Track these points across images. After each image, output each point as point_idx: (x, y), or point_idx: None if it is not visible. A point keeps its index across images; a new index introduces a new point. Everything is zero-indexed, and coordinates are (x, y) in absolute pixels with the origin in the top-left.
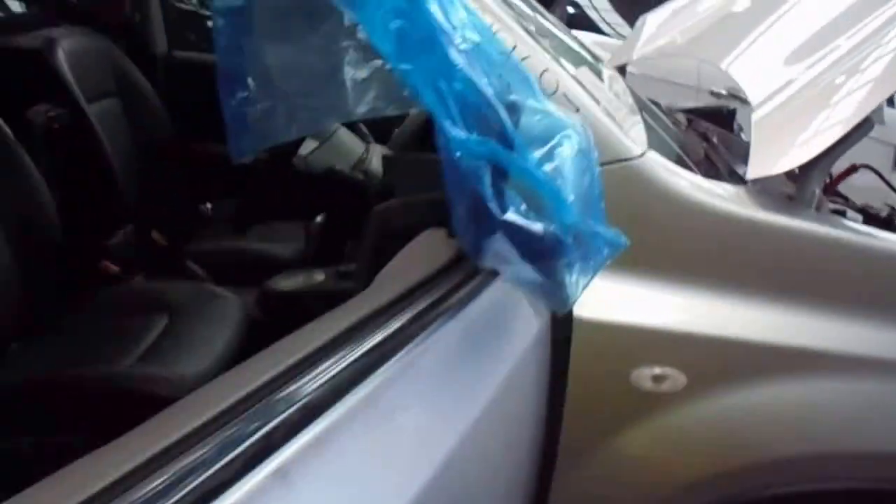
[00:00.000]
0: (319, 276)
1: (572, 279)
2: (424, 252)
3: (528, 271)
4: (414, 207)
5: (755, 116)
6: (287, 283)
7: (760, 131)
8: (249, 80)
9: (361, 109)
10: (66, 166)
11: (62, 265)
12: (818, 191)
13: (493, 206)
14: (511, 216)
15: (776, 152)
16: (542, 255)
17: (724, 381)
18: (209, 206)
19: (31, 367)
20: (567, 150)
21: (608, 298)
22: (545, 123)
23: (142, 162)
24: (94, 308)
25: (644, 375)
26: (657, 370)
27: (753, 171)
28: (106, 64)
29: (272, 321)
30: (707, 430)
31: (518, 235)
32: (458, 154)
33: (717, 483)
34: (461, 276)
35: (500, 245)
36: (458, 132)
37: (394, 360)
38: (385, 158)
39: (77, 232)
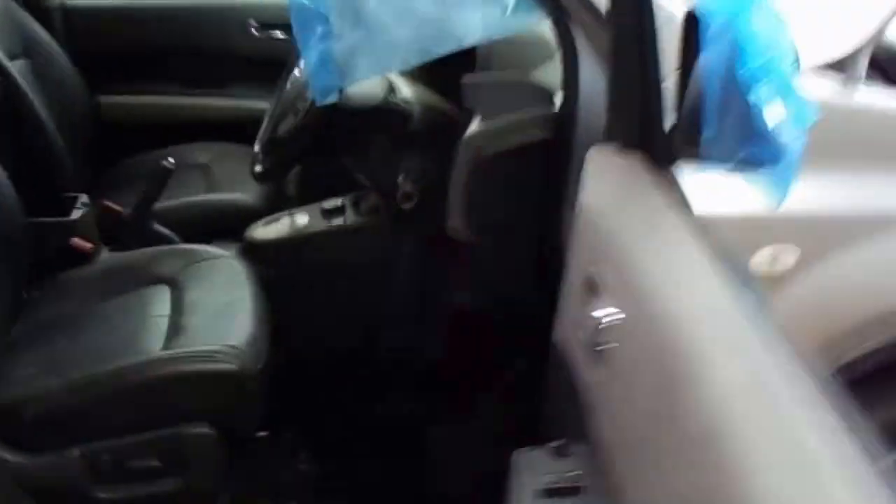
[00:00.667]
0: (303, 219)
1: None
2: (621, 175)
3: (769, 173)
4: (509, 131)
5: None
6: (270, 230)
7: (801, 21)
8: (329, 12)
9: (473, 37)
10: (10, 140)
11: (32, 250)
12: (863, 73)
13: (765, 118)
14: (777, 126)
15: (824, 40)
16: (784, 157)
17: (828, 252)
18: (171, 160)
19: (41, 373)
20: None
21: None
22: (778, 33)
23: (64, 125)
24: (75, 294)
25: (762, 260)
26: (772, 252)
27: (806, 60)
28: (9, 21)
29: (279, 273)
30: (821, 297)
31: (775, 143)
32: (741, 71)
33: (844, 341)
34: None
35: (751, 152)
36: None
37: None
38: (464, 83)
39: (38, 211)
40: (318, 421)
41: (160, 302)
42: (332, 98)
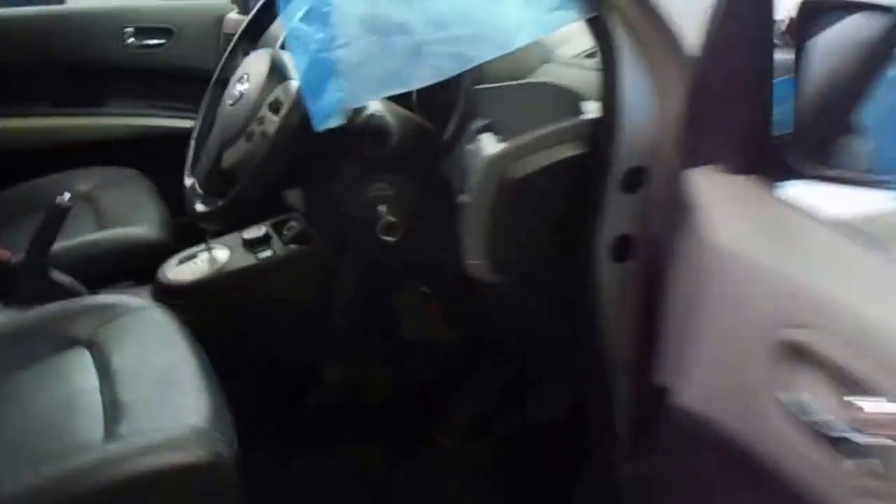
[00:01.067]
0: (223, 253)
1: None
2: (761, 208)
3: None
4: (538, 147)
5: None
6: (187, 269)
7: None
8: (330, 11)
9: (520, 38)
10: None
11: None
12: None
13: None
14: None
15: None
16: None
17: None
18: (67, 195)
19: None
20: None
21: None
22: None
23: None
24: None
25: None
26: None
27: None
28: None
29: (201, 318)
30: None
31: None
32: None
33: None
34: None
35: None
36: None
37: None
38: (477, 91)
39: None
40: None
41: (83, 372)
42: (336, 121)
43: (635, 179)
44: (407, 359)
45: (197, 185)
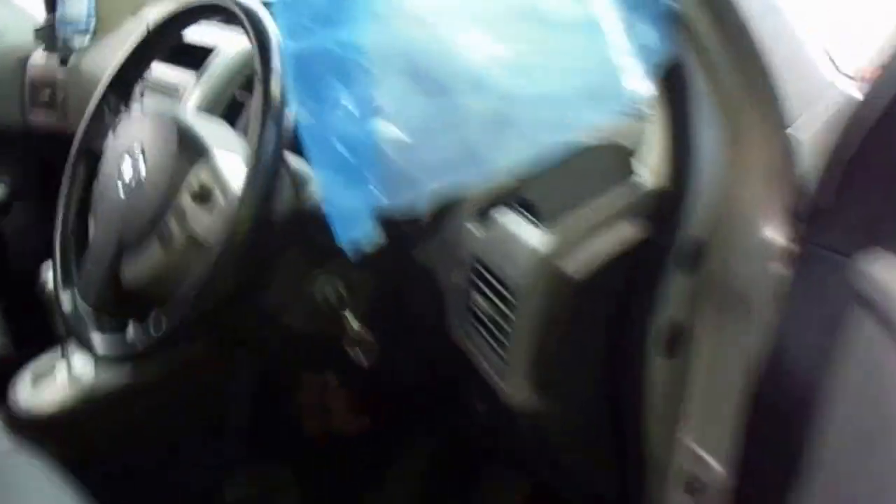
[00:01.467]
0: (86, 366)
1: None
2: None
3: None
4: (596, 234)
5: None
6: (47, 395)
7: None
8: (363, 62)
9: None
10: None
11: None
12: None
13: None
14: None
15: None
16: None
17: None
18: None
19: None
20: None
21: None
22: None
23: None
24: None
25: None
26: None
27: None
28: None
29: (85, 454)
30: None
31: None
32: None
33: None
34: None
35: None
36: None
37: None
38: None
39: None
40: None
41: None
42: (372, 233)
43: (695, 256)
44: (313, 460)
45: (85, 306)
